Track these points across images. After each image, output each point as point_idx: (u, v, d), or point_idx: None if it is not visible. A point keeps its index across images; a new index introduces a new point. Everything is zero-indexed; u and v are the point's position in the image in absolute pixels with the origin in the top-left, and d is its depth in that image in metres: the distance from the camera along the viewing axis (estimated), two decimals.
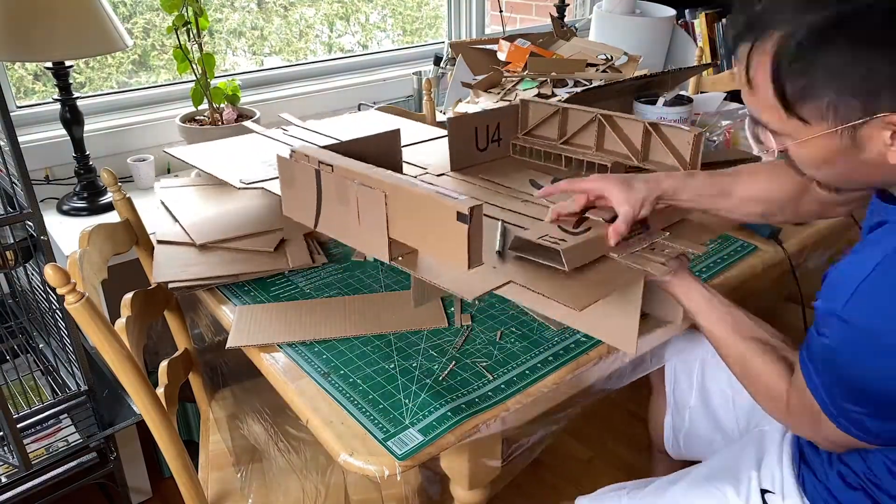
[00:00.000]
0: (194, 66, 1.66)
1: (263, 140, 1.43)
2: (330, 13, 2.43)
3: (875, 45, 0.63)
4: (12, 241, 1.24)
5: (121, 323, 0.97)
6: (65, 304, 0.83)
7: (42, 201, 1.59)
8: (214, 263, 1.12)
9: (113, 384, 1.46)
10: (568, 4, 2.50)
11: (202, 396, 1.35)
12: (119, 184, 1.16)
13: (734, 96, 2.05)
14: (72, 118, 1.53)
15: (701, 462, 1.09)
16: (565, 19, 2.37)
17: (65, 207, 1.59)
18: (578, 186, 0.94)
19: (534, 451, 1.00)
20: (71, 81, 1.52)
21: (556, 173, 1.25)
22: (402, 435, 0.79)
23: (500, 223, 1.00)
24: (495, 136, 1.32)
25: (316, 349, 0.95)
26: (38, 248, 1.25)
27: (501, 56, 1.79)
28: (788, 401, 0.81)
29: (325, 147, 1.00)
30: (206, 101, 1.71)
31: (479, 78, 1.63)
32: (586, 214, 0.94)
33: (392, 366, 0.91)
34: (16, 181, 1.19)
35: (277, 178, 1.02)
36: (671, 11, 2.44)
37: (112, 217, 1.37)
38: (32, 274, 1.35)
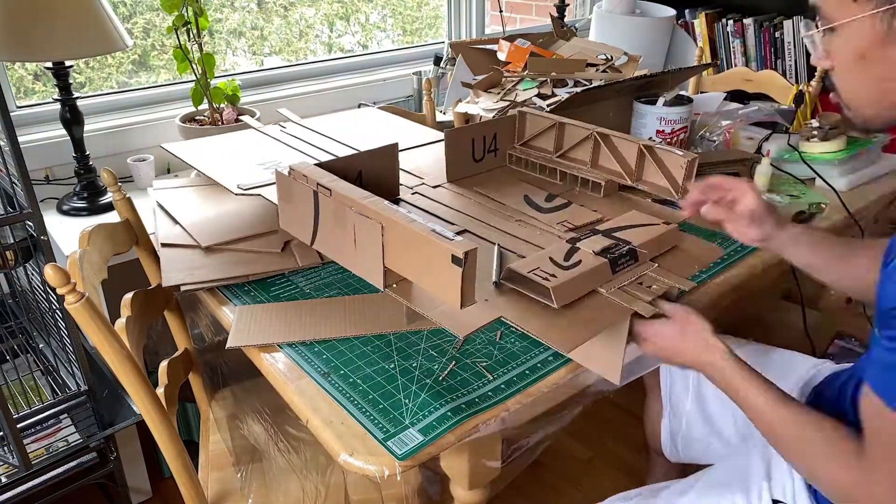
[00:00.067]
0: (194, 66, 1.66)
1: (261, 137, 1.43)
2: (330, 13, 2.43)
3: None
4: (12, 241, 1.24)
5: (121, 323, 0.97)
6: (65, 304, 0.83)
7: (42, 201, 1.59)
8: (222, 265, 1.12)
9: (113, 384, 1.46)
10: (568, 4, 2.50)
11: (202, 396, 1.35)
12: (119, 184, 1.16)
13: (734, 96, 2.05)
14: (72, 118, 1.53)
15: (702, 468, 1.08)
16: (565, 19, 2.37)
17: (65, 207, 1.59)
18: (727, 185, 1.00)
19: (534, 452, 1.00)
20: (71, 81, 1.52)
21: (550, 188, 1.26)
22: (402, 435, 0.79)
23: (496, 248, 1.00)
24: (492, 147, 1.33)
25: (316, 349, 0.95)
26: (38, 248, 1.25)
27: (501, 56, 1.79)
28: (866, 452, 0.69)
29: (322, 164, 1.00)
30: (206, 101, 1.71)
31: (479, 78, 1.63)
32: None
33: (392, 366, 0.91)
34: (16, 181, 1.19)
35: (275, 183, 1.02)
36: (671, 11, 2.44)
37: (112, 217, 1.37)
38: (32, 274, 1.35)
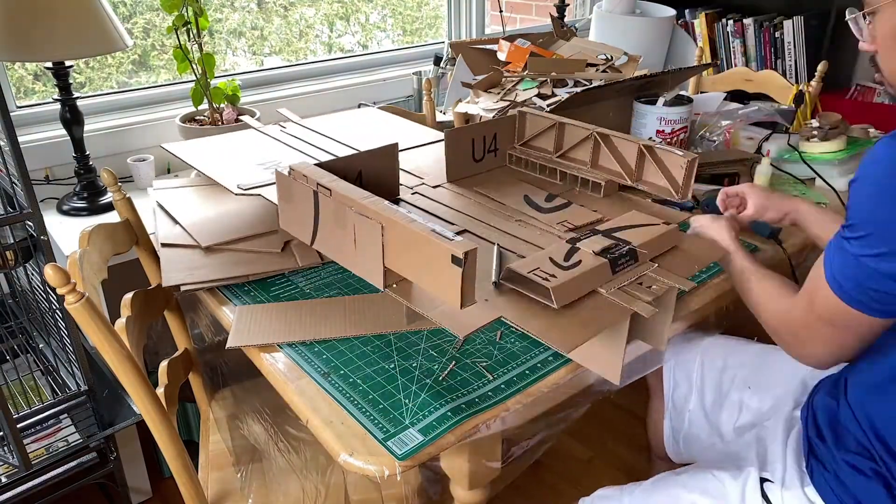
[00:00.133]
0: (194, 66, 1.66)
1: (261, 137, 1.43)
2: (330, 13, 2.43)
3: None
4: (12, 241, 1.24)
5: (121, 323, 0.97)
6: (65, 304, 0.83)
7: (42, 201, 1.59)
8: (222, 265, 1.12)
9: (113, 384, 1.46)
10: (568, 4, 2.50)
11: (202, 396, 1.35)
12: (119, 184, 1.16)
13: (734, 96, 2.05)
14: (72, 118, 1.53)
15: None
16: (565, 19, 2.37)
17: (65, 207, 1.59)
18: (732, 191, 1.17)
19: (535, 452, 1.00)
20: (71, 81, 1.52)
21: (550, 188, 1.26)
22: (402, 435, 0.79)
23: (495, 248, 1.00)
24: (492, 147, 1.33)
25: (316, 349, 0.95)
26: (38, 248, 1.25)
27: (501, 56, 1.79)
28: (795, 303, 0.87)
29: (322, 164, 1.00)
30: (206, 101, 1.71)
31: (479, 78, 1.63)
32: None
33: (392, 366, 0.91)
34: (16, 181, 1.19)
35: (275, 183, 1.02)
36: (671, 11, 2.44)
37: (112, 217, 1.37)
38: (32, 274, 1.35)
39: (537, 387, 0.88)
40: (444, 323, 0.84)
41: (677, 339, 1.16)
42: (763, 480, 0.93)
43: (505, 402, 0.85)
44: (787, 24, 2.38)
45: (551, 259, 0.90)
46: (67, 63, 1.49)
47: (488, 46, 1.85)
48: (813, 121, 1.51)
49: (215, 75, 1.72)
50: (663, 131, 1.49)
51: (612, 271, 0.91)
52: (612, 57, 1.73)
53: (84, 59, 1.88)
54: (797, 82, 2.33)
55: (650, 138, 1.50)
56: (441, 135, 1.49)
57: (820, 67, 1.87)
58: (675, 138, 1.50)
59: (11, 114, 1.34)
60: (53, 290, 0.96)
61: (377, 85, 2.21)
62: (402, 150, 1.20)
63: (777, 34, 2.42)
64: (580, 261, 0.90)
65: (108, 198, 1.60)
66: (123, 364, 0.87)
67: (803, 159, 1.45)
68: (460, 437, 0.80)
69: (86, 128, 1.59)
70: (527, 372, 0.90)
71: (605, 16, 2.40)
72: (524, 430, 0.94)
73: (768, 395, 1.12)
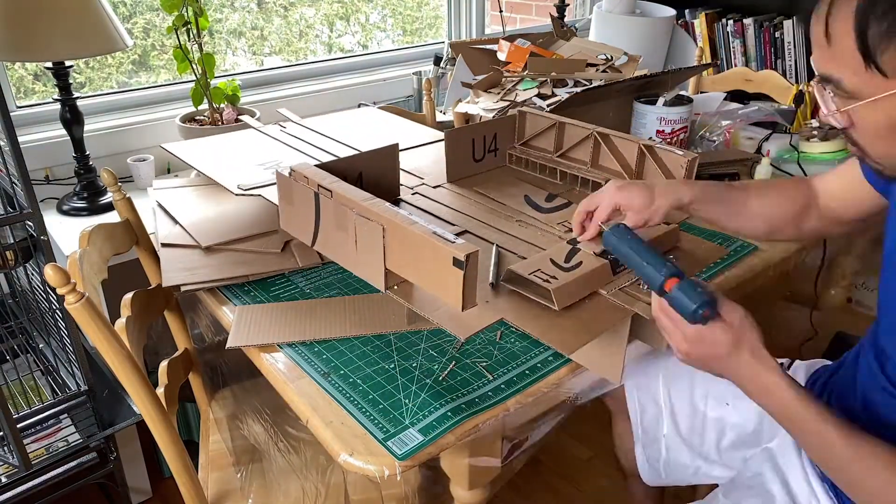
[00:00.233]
0: (194, 66, 1.66)
1: (261, 137, 1.43)
2: (330, 13, 2.43)
3: None
4: (12, 241, 1.24)
5: (121, 323, 0.97)
6: (65, 304, 0.83)
7: (42, 201, 1.59)
8: (222, 265, 1.12)
9: (113, 384, 1.46)
10: (568, 4, 2.50)
11: (202, 396, 1.35)
12: (119, 184, 1.16)
13: (734, 96, 2.05)
14: (72, 118, 1.53)
15: (694, 488, 1.06)
16: (565, 19, 2.37)
17: (65, 207, 1.59)
18: (595, 202, 0.94)
19: (534, 450, 1.00)
20: (71, 81, 1.52)
21: (551, 187, 1.26)
22: (402, 435, 0.79)
23: (494, 248, 1.00)
24: (492, 147, 1.33)
25: (316, 349, 0.95)
26: (38, 248, 1.25)
27: (501, 56, 1.79)
28: None
29: (323, 164, 1.00)
30: (206, 101, 1.71)
31: (479, 78, 1.63)
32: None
33: (392, 366, 0.91)
34: (16, 181, 1.19)
35: (275, 183, 1.02)
36: (671, 11, 2.44)
37: (112, 217, 1.37)
38: (32, 274, 1.35)
39: (537, 387, 0.88)
40: (445, 325, 0.84)
41: (631, 360, 1.01)
42: None
43: (505, 402, 0.85)
44: (787, 24, 2.38)
45: (552, 260, 0.90)
46: (67, 63, 1.49)
47: (488, 46, 1.85)
48: (813, 121, 1.51)
49: (215, 75, 1.72)
50: (663, 131, 1.49)
51: (613, 272, 0.92)
52: (612, 57, 1.73)
53: (84, 59, 1.88)
54: (797, 82, 2.33)
55: (650, 138, 1.50)
56: (441, 135, 1.49)
57: None
58: (675, 138, 1.50)
59: (11, 114, 1.34)
60: (53, 290, 0.96)
61: (377, 85, 2.21)
62: (402, 151, 1.20)
63: (777, 34, 2.42)
64: (581, 262, 0.90)
65: (108, 198, 1.60)
66: (123, 364, 0.87)
67: (799, 160, 1.45)
68: (460, 436, 0.80)
69: (86, 128, 1.59)
70: (527, 372, 0.90)
71: (605, 16, 2.40)
72: (524, 429, 0.95)
73: (750, 410, 1.05)
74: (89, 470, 1.45)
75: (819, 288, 1.36)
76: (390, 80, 2.24)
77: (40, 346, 1.53)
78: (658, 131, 1.50)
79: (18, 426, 1.27)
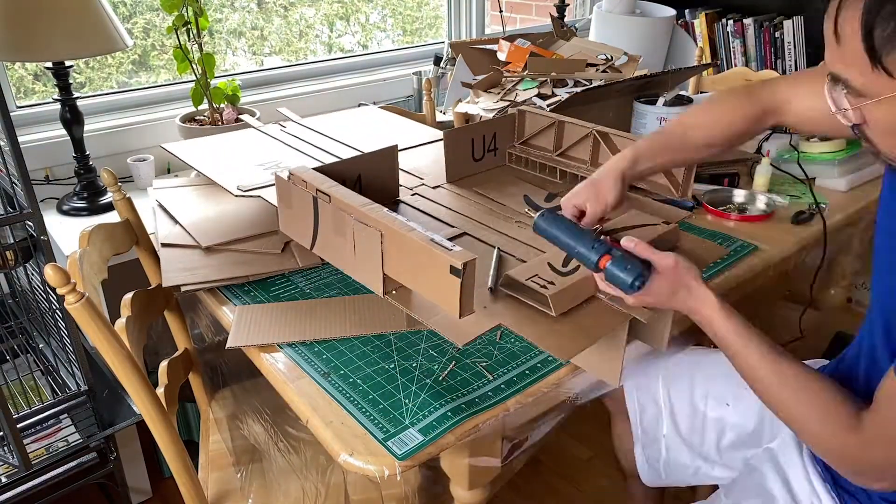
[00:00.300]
0: (194, 66, 1.66)
1: (262, 136, 1.43)
2: (330, 13, 2.43)
3: None
4: (12, 241, 1.24)
5: (121, 323, 0.97)
6: (65, 304, 0.83)
7: (42, 201, 1.59)
8: (222, 265, 1.12)
9: (113, 384, 1.46)
10: (568, 4, 2.50)
11: (202, 396, 1.35)
12: (119, 184, 1.16)
13: None
14: (72, 118, 1.53)
15: (694, 489, 1.05)
16: (565, 19, 2.37)
17: (65, 207, 1.59)
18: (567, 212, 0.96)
19: (534, 450, 1.00)
20: (71, 81, 1.52)
21: (550, 186, 1.26)
22: (402, 435, 0.79)
23: (495, 252, 1.00)
24: (491, 146, 1.33)
25: (316, 349, 0.95)
26: (38, 248, 1.25)
27: (501, 56, 1.79)
28: (862, 425, 0.73)
29: (322, 167, 1.00)
30: (206, 101, 1.71)
31: (479, 78, 1.63)
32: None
33: (392, 366, 0.91)
34: (16, 181, 1.19)
35: (275, 184, 1.02)
36: (671, 11, 2.44)
37: (112, 217, 1.37)
38: (32, 274, 1.35)
39: (537, 387, 0.88)
40: (443, 331, 0.84)
41: (631, 361, 1.03)
42: None
43: (505, 402, 0.85)
44: (787, 24, 2.38)
45: (550, 265, 0.90)
46: (67, 63, 1.49)
47: (488, 46, 1.85)
48: None
49: (215, 75, 1.72)
50: None
51: None
52: (612, 57, 1.73)
53: (84, 59, 1.88)
54: None
55: None
56: (441, 134, 1.49)
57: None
58: None
59: (11, 114, 1.34)
60: (53, 290, 0.96)
61: (377, 85, 2.21)
62: (401, 150, 1.20)
63: (777, 34, 2.42)
64: (579, 266, 0.90)
65: (108, 198, 1.60)
66: (123, 364, 0.87)
67: (798, 160, 1.45)
68: (460, 437, 0.80)
69: (86, 128, 1.59)
70: (527, 372, 0.90)
71: (605, 16, 2.40)
72: (524, 429, 0.94)
73: (750, 409, 1.06)
74: (89, 470, 1.45)
75: (816, 288, 1.36)
76: (390, 80, 2.24)
77: (40, 346, 1.53)
78: None
79: (18, 426, 1.27)
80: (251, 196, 1.14)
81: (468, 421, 0.82)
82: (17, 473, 1.31)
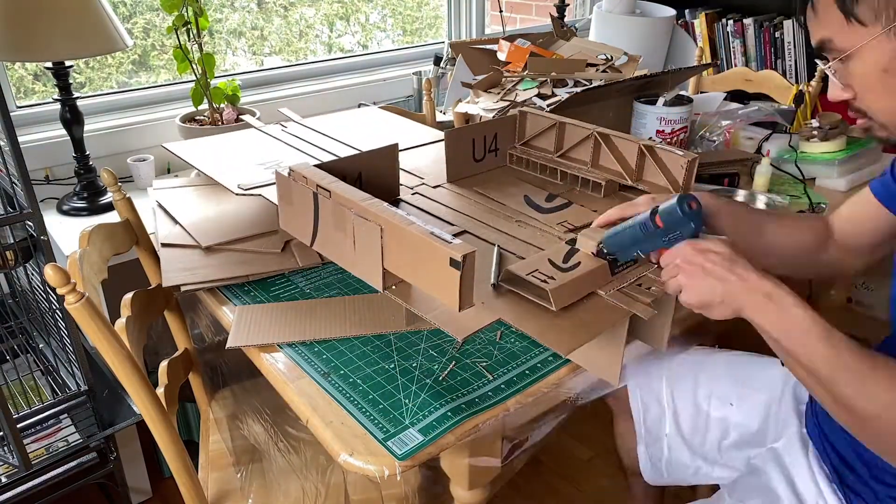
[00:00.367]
0: (194, 66, 1.66)
1: (262, 136, 1.43)
2: (330, 13, 2.43)
3: None
4: (12, 241, 1.24)
5: (121, 323, 0.97)
6: (65, 304, 0.83)
7: (42, 201, 1.59)
8: (222, 265, 1.12)
9: (113, 384, 1.46)
10: (568, 4, 2.50)
11: (202, 396, 1.35)
12: (119, 184, 1.16)
13: (734, 96, 2.05)
14: (72, 118, 1.53)
15: (694, 489, 1.05)
16: (565, 19, 2.37)
17: (65, 207, 1.59)
18: (630, 211, 0.93)
19: (534, 450, 1.00)
20: (71, 81, 1.52)
21: (551, 188, 1.26)
22: (402, 435, 0.79)
23: (496, 249, 1.00)
24: (492, 147, 1.33)
25: (316, 349, 0.95)
26: (38, 248, 1.25)
27: (501, 56, 1.79)
28: None
29: (322, 165, 1.00)
30: (206, 101, 1.71)
31: (479, 78, 1.63)
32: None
33: (392, 366, 0.91)
34: (16, 181, 1.19)
35: (275, 183, 1.02)
36: (671, 11, 2.44)
37: (112, 217, 1.37)
38: (32, 274, 1.35)
39: (537, 387, 0.88)
40: (443, 325, 0.84)
41: (634, 360, 1.02)
42: None
43: (505, 402, 0.85)
44: (787, 24, 2.38)
45: (550, 261, 0.90)
46: (67, 63, 1.49)
47: (488, 46, 1.85)
48: (813, 121, 1.51)
49: (215, 75, 1.72)
50: (663, 131, 1.49)
51: (612, 273, 0.91)
52: (612, 57, 1.73)
53: (84, 59, 1.88)
54: (797, 82, 2.33)
55: (650, 138, 1.50)
56: (441, 135, 1.49)
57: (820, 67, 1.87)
58: (675, 138, 1.50)
59: (11, 114, 1.34)
60: (53, 290, 0.96)
61: (377, 85, 2.21)
62: (402, 150, 1.20)
63: (777, 34, 2.42)
64: (579, 262, 0.90)
65: (108, 198, 1.60)
66: (123, 364, 0.87)
67: (796, 161, 1.45)
68: (460, 437, 0.80)
69: (86, 128, 1.59)
70: (527, 372, 0.90)
71: (605, 16, 2.40)
72: (524, 429, 0.94)
73: (754, 409, 1.07)
74: (89, 470, 1.45)
75: (813, 289, 1.36)
76: (390, 80, 2.24)
77: (40, 346, 1.53)
78: (658, 131, 1.50)
79: (18, 426, 1.27)
80: (252, 195, 1.14)
81: (468, 421, 0.82)
82: (17, 473, 1.31)
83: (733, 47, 2.53)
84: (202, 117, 1.76)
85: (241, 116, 1.72)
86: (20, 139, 1.17)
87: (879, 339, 0.96)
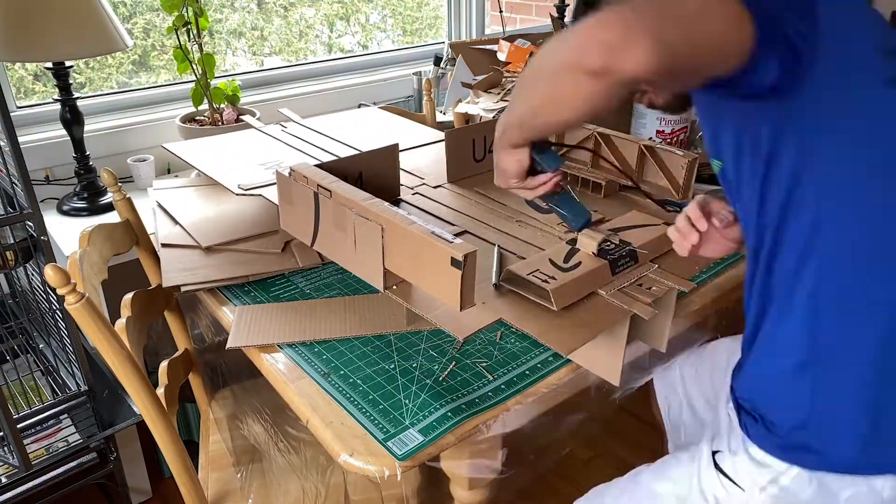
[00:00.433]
0: (194, 67, 1.66)
1: (262, 137, 1.43)
2: (330, 13, 2.43)
3: None
4: (12, 241, 1.24)
5: (121, 323, 0.97)
6: (65, 305, 0.83)
7: (42, 201, 1.59)
8: (222, 265, 1.12)
9: (113, 384, 1.46)
10: (568, 4, 2.50)
11: (202, 396, 1.35)
12: (119, 184, 1.16)
13: None
14: (72, 118, 1.53)
15: None
16: (565, 19, 2.37)
17: (65, 207, 1.59)
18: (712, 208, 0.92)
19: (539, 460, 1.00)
20: (71, 81, 1.52)
21: None
22: (402, 435, 0.79)
23: (496, 249, 1.00)
24: (492, 147, 1.33)
25: (316, 349, 0.95)
26: (38, 248, 1.25)
27: (501, 56, 1.79)
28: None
29: (323, 164, 1.00)
30: (206, 101, 1.71)
31: (479, 78, 1.63)
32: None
33: (392, 366, 0.91)
34: (16, 181, 1.19)
35: (276, 183, 1.02)
36: None
37: (112, 217, 1.37)
38: (32, 274, 1.35)
39: (537, 387, 0.88)
40: (444, 325, 0.84)
41: (660, 362, 1.09)
42: (715, 452, 0.91)
43: (505, 403, 0.85)
44: None
45: (551, 261, 0.90)
46: (67, 63, 1.49)
47: (488, 46, 1.85)
48: None
49: (215, 75, 1.72)
50: (663, 131, 1.49)
51: (612, 272, 0.91)
52: None
53: (84, 60, 1.88)
54: None
55: (650, 138, 1.50)
56: (441, 135, 1.49)
57: None
58: (676, 138, 1.50)
59: (11, 114, 1.34)
60: (53, 290, 0.96)
61: (377, 85, 2.21)
62: (402, 151, 1.20)
63: None
64: (580, 262, 0.90)
65: (108, 198, 1.60)
66: (123, 364, 0.87)
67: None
68: (460, 437, 0.80)
69: (86, 128, 1.59)
70: (527, 372, 0.90)
71: None
72: (524, 429, 0.95)
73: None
74: (89, 470, 1.45)
75: None
76: (390, 80, 2.24)
77: (40, 346, 1.53)
78: (658, 131, 1.50)
79: (18, 426, 1.27)
80: (252, 195, 1.14)
81: (468, 421, 0.82)
82: (17, 474, 1.31)
83: None
84: (202, 118, 1.76)
85: (241, 117, 1.72)
86: (20, 139, 1.17)
87: None
